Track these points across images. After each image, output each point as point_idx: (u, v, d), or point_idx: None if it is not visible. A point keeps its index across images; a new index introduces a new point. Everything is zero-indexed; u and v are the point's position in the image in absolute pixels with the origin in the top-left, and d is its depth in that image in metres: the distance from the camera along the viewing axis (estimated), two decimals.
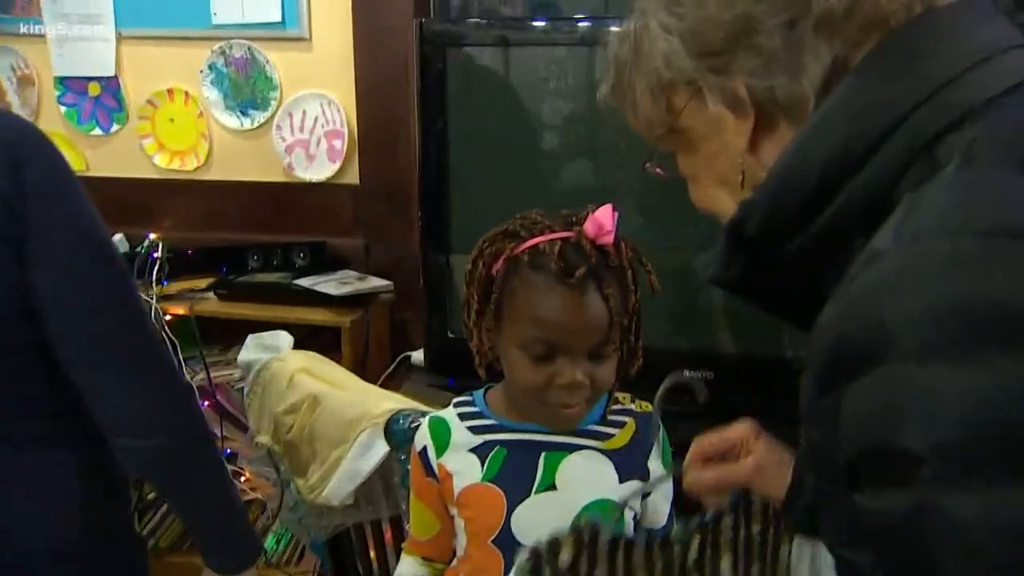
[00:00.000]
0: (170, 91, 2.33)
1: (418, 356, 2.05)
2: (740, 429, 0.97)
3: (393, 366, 2.13)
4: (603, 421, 1.13)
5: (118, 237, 2.30)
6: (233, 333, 2.09)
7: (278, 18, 2.19)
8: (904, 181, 0.63)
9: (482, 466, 1.10)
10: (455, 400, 1.18)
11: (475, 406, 1.15)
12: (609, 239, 1.02)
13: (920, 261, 0.56)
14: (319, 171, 2.27)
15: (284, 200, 2.33)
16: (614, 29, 0.87)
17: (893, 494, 0.54)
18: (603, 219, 1.02)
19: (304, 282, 2.16)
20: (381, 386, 2.01)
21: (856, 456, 0.57)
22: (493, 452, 1.11)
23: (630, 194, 1.88)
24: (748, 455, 0.96)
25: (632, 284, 1.05)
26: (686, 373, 1.03)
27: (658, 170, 0.92)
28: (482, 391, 1.16)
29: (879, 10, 0.68)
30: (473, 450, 1.11)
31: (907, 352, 0.53)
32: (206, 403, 2.22)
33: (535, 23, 2.03)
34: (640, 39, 0.81)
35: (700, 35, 0.74)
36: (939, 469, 0.51)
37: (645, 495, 1.14)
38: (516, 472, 1.09)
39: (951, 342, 0.52)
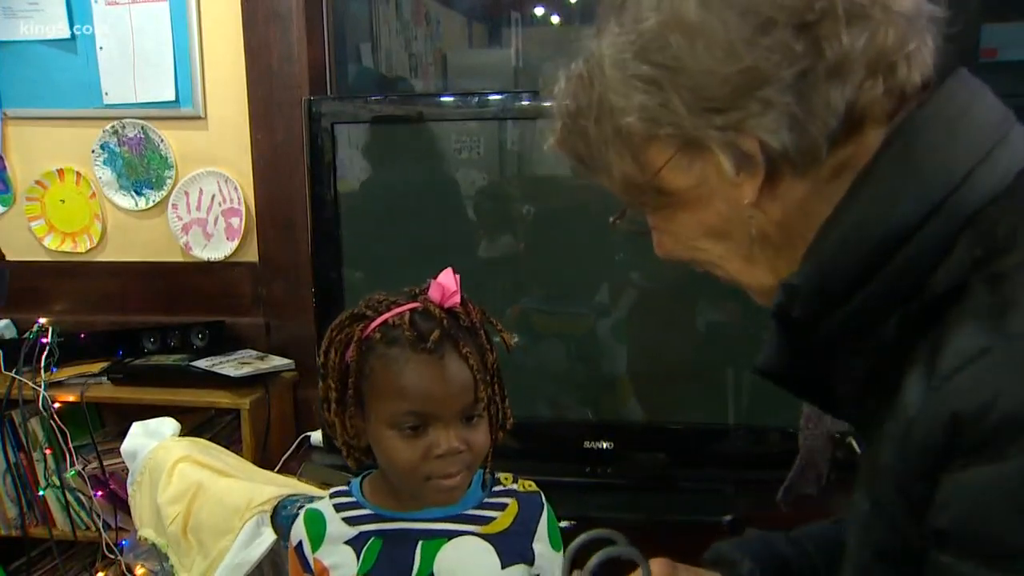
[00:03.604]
0: (60, 171, 2.28)
1: (317, 436, 2.01)
2: (654, 570, 0.93)
3: (293, 447, 2.08)
4: (483, 504, 1.09)
5: (4, 323, 2.23)
6: (131, 419, 2.02)
7: (172, 97, 2.17)
8: (949, 262, 0.64)
9: (358, 558, 1.06)
10: (331, 490, 1.13)
11: (351, 496, 1.11)
12: (455, 300, 1.02)
13: None
14: (217, 250, 2.23)
15: (181, 280, 2.28)
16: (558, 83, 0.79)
17: (977, 570, 0.58)
18: (446, 282, 1.02)
19: (202, 363, 2.11)
20: (281, 468, 1.96)
21: (955, 528, 0.59)
22: (368, 543, 1.06)
23: (531, 264, 1.89)
24: None
25: (487, 343, 1.04)
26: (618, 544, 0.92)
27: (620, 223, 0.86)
28: (359, 480, 1.12)
29: (884, 52, 0.67)
30: (348, 542, 1.07)
31: None
32: (99, 493, 2.14)
33: (425, 98, 2.05)
34: (602, 89, 0.74)
35: (702, 89, 0.69)
36: None
37: None
38: (392, 563, 1.05)
39: None
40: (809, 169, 0.69)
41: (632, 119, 0.72)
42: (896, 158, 0.67)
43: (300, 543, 1.09)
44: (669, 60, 0.69)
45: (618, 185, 0.78)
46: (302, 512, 1.12)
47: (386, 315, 1.02)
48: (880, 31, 0.66)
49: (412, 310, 1.01)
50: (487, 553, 1.06)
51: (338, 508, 1.09)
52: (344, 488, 1.12)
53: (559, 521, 1.14)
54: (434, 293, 1.02)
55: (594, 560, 0.87)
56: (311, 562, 1.08)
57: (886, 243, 0.66)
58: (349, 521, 1.08)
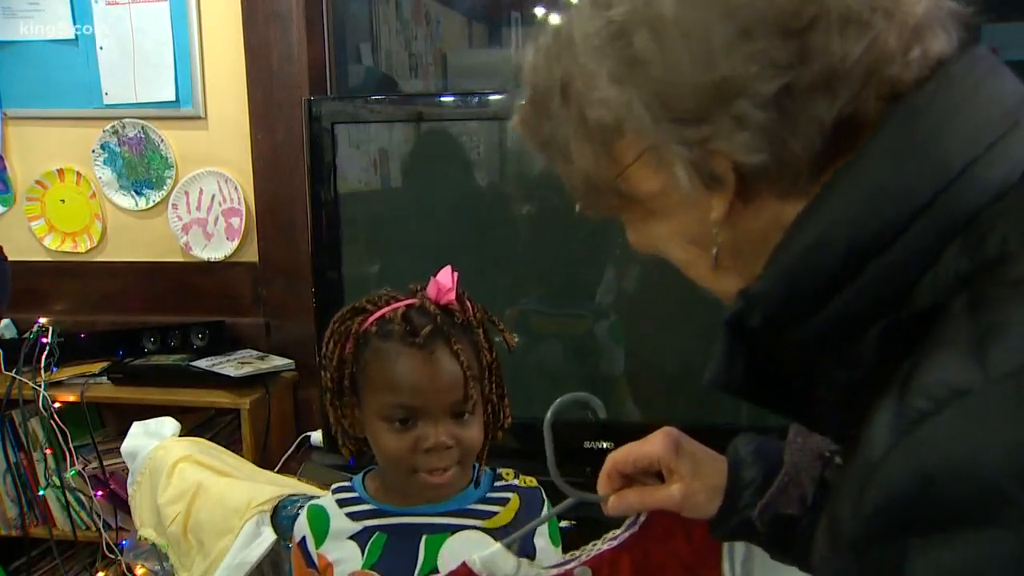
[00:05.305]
0: (60, 171, 2.28)
1: (317, 436, 2.01)
2: (657, 444, 0.89)
3: (293, 447, 2.08)
4: (485, 499, 1.10)
5: (4, 323, 2.23)
6: (131, 419, 2.02)
7: (172, 97, 2.17)
8: (934, 273, 0.55)
9: (362, 553, 1.07)
10: (334, 486, 1.15)
11: (354, 491, 1.12)
12: (451, 297, 1.04)
13: None
14: (217, 250, 2.23)
15: (182, 280, 2.28)
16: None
17: None
18: (443, 280, 1.04)
19: (202, 363, 2.11)
20: (281, 468, 1.97)
21: None
22: (373, 538, 1.08)
23: (529, 265, 1.89)
24: (670, 475, 0.88)
25: (485, 342, 1.06)
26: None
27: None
28: (361, 476, 1.14)
29: (883, 60, 0.58)
30: (353, 537, 1.08)
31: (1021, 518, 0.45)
32: (99, 493, 2.14)
33: (425, 98, 2.05)
34: (568, 70, 0.65)
35: (668, 97, 0.60)
36: None
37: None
38: (397, 558, 1.06)
39: None
40: (790, 187, 0.62)
41: (596, 113, 0.64)
42: (879, 151, 0.58)
43: (304, 539, 1.11)
44: (635, 59, 0.61)
45: (578, 179, 0.70)
46: (305, 508, 1.13)
47: (384, 310, 1.03)
48: (880, 38, 0.58)
49: (408, 306, 1.03)
50: (490, 547, 1.07)
51: (341, 504, 1.11)
52: (347, 484, 1.14)
53: (559, 520, 1.14)
54: (431, 290, 1.04)
55: (554, 406, 0.90)
56: (315, 558, 1.09)
57: (863, 247, 0.57)
58: (353, 516, 1.09)
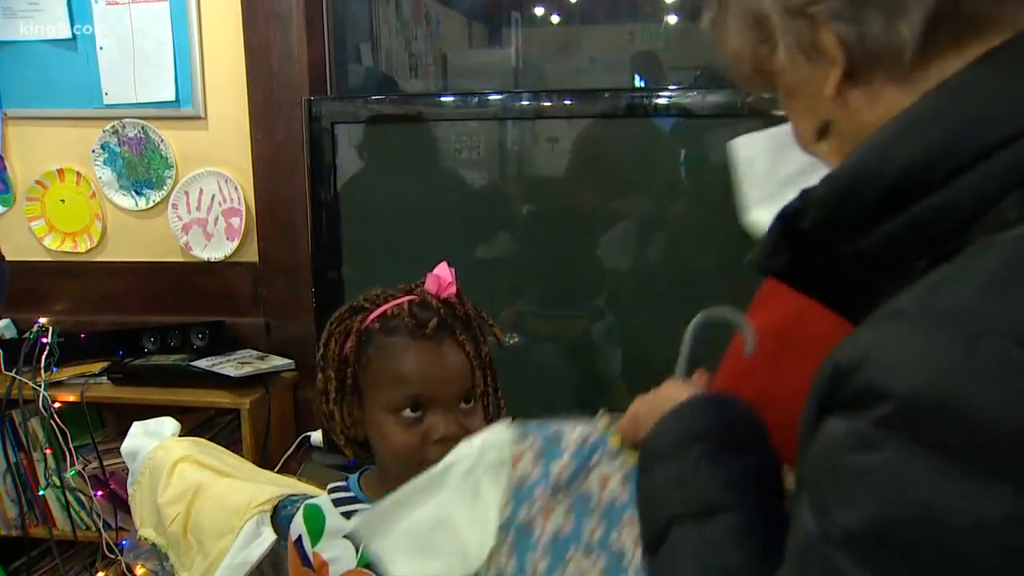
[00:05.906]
0: (60, 171, 2.28)
1: (317, 436, 2.01)
2: None
3: (293, 447, 2.08)
4: None
5: (4, 323, 2.23)
6: (131, 419, 2.03)
7: (172, 97, 2.17)
8: (987, 218, 0.54)
9: (357, 551, 1.07)
10: (330, 486, 1.15)
11: (349, 491, 1.12)
12: (451, 290, 1.05)
13: (936, 344, 0.49)
14: (217, 250, 2.23)
15: (182, 280, 2.28)
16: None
17: (808, 526, 0.53)
18: (442, 274, 1.05)
19: (202, 363, 2.11)
20: (281, 468, 1.97)
21: (806, 484, 0.56)
22: None
23: (528, 266, 1.89)
24: None
25: (481, 335, 1.07)
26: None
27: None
28: (357, 475, 1.14)
29: None
30: (348, 535, 1.08)
31: (891, 427, 0.49)
32: (99, 493, 2.14)
33: (425, 98, 2.05)
34: None
35: None
36: (854, 553, 0.50)
37: None
38: None
39: (937, 442, 0.48)
40: (897, 69, 0.60)
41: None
42: (964, 85, 0.57)
43: (299, 538, 1.11)
44: None
45: (730, 58, 0.71)
46: (301, 508, 1.13)
47: (384, 306, 1.04)
48: None
49: (410, 302, 1.04)
50: None
51: (336, 503, 1.11)
52: (342, 484, 1.14)
53: None
54: (431, 285, 1.05)
55: (697, 319, 0.88)
56: (311, 556, 1.10)
57: (916, 179, 0.56)
58: (348, 515, 1.09)
